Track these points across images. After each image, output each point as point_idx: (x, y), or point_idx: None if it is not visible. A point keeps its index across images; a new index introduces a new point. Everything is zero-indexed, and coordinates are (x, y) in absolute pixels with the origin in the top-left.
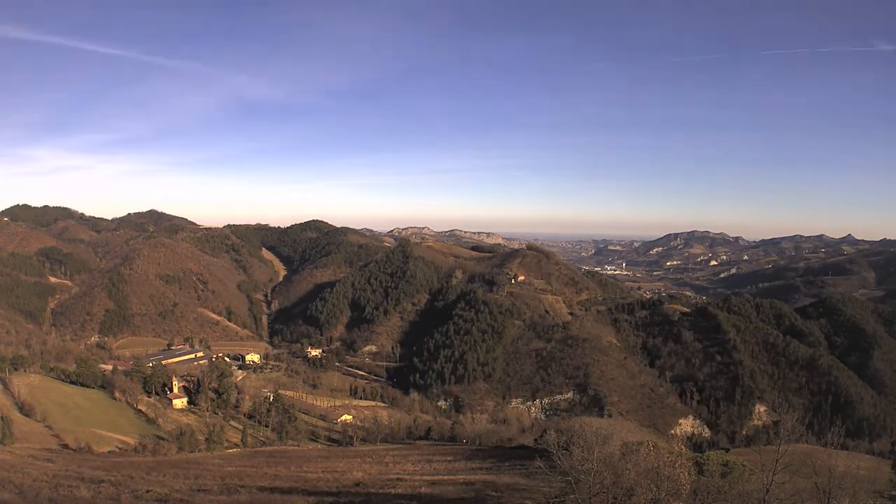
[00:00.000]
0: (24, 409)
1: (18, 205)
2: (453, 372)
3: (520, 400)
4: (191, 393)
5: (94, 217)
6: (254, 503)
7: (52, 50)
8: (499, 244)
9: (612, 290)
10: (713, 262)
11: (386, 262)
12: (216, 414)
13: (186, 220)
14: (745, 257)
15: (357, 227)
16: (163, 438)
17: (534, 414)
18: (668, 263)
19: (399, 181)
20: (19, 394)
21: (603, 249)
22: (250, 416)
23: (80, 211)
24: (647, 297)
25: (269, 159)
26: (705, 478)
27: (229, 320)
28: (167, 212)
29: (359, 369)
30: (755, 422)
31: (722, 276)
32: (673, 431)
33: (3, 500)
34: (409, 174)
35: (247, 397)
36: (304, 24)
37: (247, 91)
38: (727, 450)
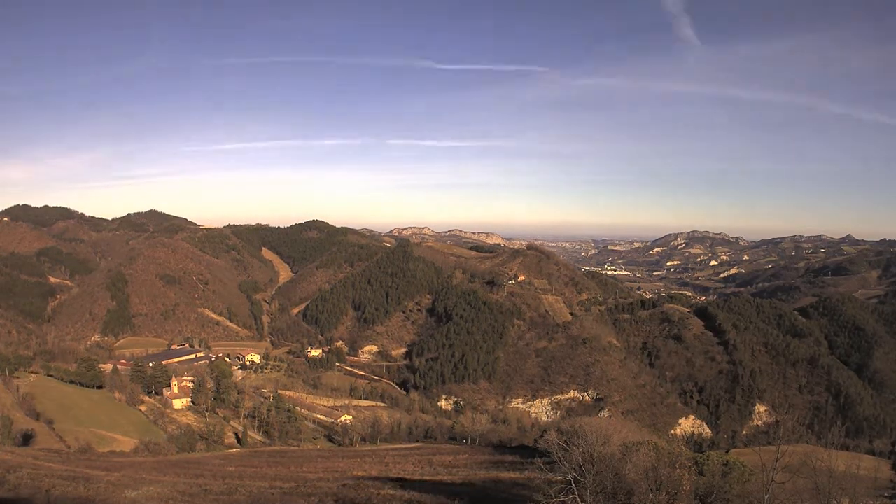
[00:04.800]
0: (25, 409)
1: (18, 205)
2: (454, 372)
3: (520, 400)
4: (191, 393)
5: (94, 217)
6: (254, 503)
7: (54, 49)
8: (499, 244)
9: (612, 290)
10: (713, 263)
11: (386, 262)
12: (216, 414)
13: (186, 220)
14: (746, 257)
15: (357, 227)
16: (163, 438)
17: (534, 414)
18: (668, 263)
19: (399, 181)
20: (20, 394)
21: (603, 250)
22: (251, 416)
23: (80, 211)
24: (648, 297)
25: (269, 159)
26: (705, 478)
27: (230, 320)
28: (167, 212)
29: (359, 369)
30: (755, 422)
31: (722, 276)
32: (673, 431)
33: (3, 499)
34: (409, 174)
35: (247, 397)
36: (304, 24)
37: (247, 91)
38: (727, 450)
